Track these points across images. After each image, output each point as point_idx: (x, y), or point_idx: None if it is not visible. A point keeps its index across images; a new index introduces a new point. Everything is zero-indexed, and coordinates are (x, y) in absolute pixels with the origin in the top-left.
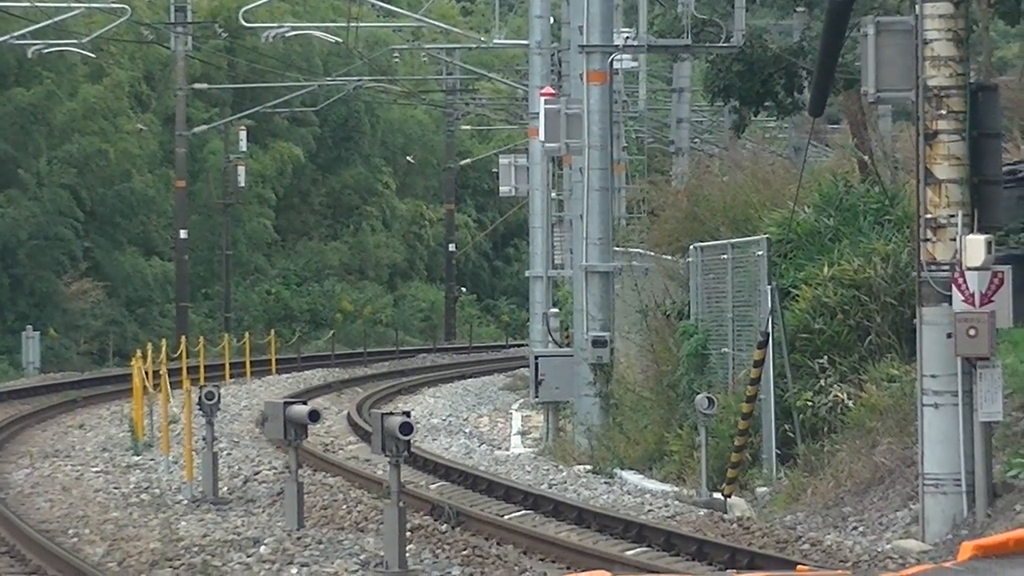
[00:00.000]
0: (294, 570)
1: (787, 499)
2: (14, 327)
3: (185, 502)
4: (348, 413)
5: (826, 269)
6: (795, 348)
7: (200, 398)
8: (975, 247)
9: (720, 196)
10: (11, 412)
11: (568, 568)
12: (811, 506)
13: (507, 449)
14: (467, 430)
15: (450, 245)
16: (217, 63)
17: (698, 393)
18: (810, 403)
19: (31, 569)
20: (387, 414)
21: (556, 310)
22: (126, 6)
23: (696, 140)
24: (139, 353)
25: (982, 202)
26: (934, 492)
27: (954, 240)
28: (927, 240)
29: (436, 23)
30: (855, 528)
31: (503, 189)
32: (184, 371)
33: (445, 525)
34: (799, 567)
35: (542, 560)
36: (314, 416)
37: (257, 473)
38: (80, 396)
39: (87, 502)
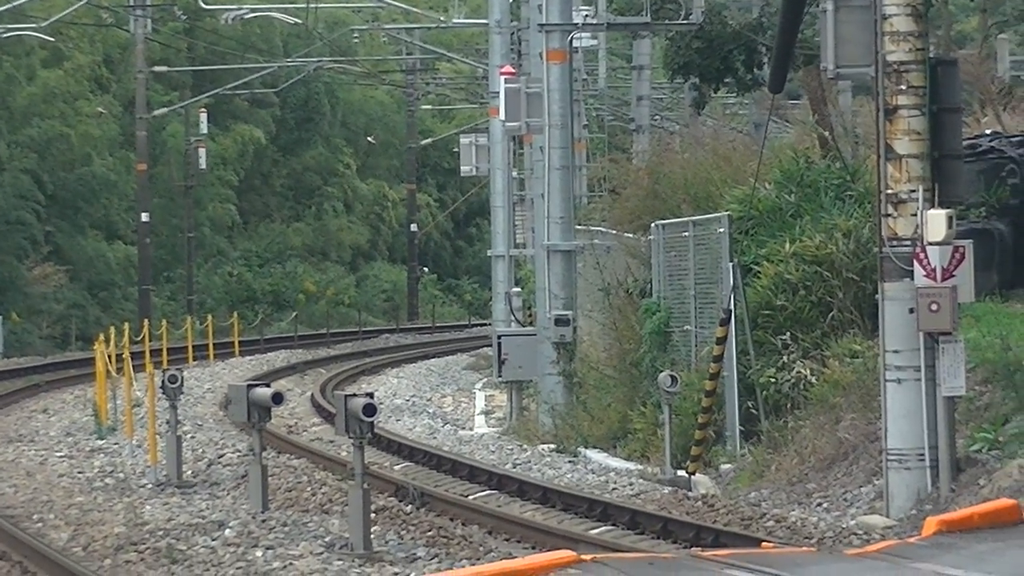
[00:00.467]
0: (259, 553)
1: (751, 476)
2: None
3: (149, 486)
4: (312, 395)
5: (788, 245)
6: (757, 325)
7: (163, 381)
8: (936, 222)
9: (681, 173)
10: None
11: (533, 547)
12: (775, 483)
13: (471, 429)
14: (431, 410)
15: (412, 225)
16: (177, 46)
17: (661, 371)
18: (773, 380)
19: None
20: (351, 395)
21: (518, 289)
22: None
23: (656, 117)
24: (102, 337)
25: (943, 177)
26: (898, 468)
27: (915, 215)
28: (888, 215)
29: (395, 3)
30: (819, 504)
31: (464, 169)
32: (147, 354)
33: (410, 506)
34: (764, 544)
35: (507, 540)
36: (277, 398)
37: (221, 456)
38: (43, 381)
39: (51, 487)
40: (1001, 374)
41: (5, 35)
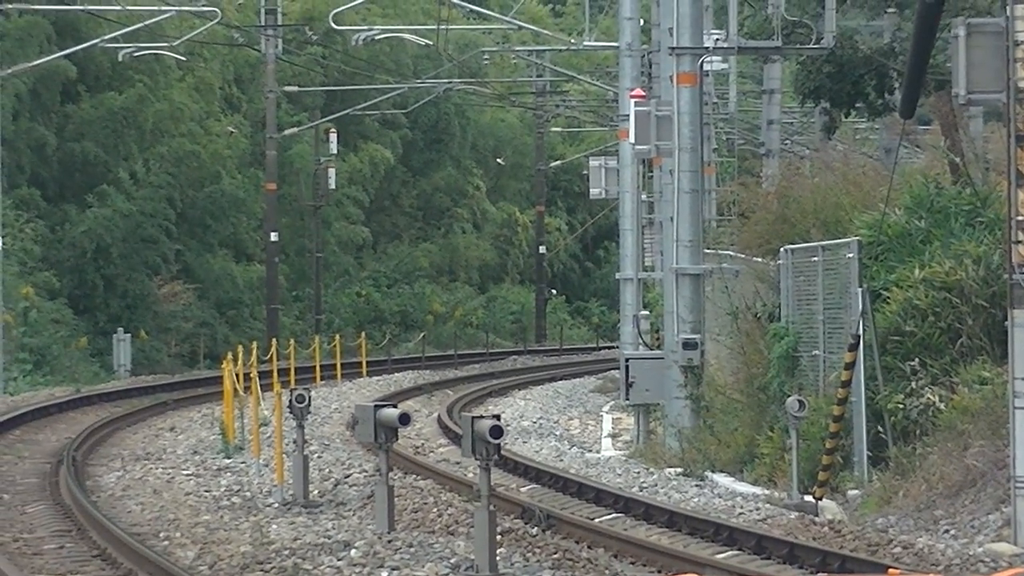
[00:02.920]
0: (384, 574)
1: (878, 502)
2: (105, 329)
3: (276, 505)
4: (438, 416)
5: (917, 271)
6: (886, 350)
7: (291, 401)
8: None
9: (811, 198)
10: (102, 414)
11: (659, 571)
12: (902, 509)
13: (598, 452)
14: (558, 432)
15: (540, 247)
16: (307, 66)
17: (789, 395)
18: (901, 405)
19: (123, 572)
20: (477, 417)
21: (647, 312)
22: (216, 9)
23: (787, 141)
24: (230, 356)
25: None
26: None
27: None
28: (1019, 242)
29: (526, 25)
30: (947, 531)
31: (593, 191)
32: (275, 374)
33: (535, 528)
34: (891, 570)
35: (633, 563)
36: (404, 419)
37: (348, 476)
38: (171, 399)
39: (178, 505)
40: None
41: (138, 54)
